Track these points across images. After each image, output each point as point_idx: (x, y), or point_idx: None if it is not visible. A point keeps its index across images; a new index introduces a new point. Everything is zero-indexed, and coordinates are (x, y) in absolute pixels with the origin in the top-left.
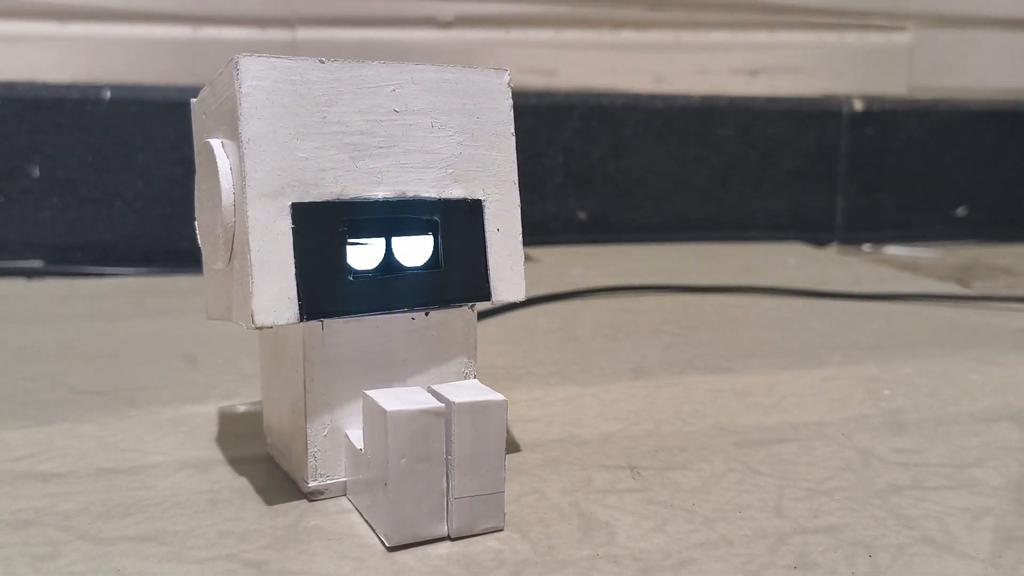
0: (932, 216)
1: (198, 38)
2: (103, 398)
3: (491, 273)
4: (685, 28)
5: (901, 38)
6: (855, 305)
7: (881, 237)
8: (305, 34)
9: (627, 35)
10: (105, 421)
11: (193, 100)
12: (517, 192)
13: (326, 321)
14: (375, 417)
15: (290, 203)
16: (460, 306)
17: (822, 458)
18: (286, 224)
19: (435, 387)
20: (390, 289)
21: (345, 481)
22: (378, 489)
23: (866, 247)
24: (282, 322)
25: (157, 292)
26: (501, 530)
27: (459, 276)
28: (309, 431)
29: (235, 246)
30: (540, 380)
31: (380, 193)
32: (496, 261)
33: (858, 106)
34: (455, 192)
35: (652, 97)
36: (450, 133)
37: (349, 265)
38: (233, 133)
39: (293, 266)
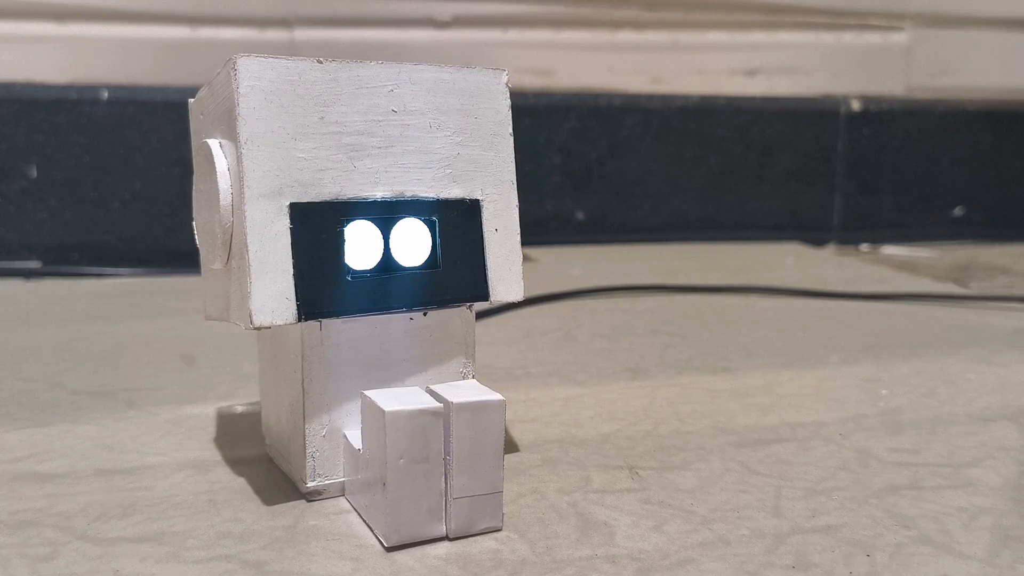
0: (929, 216)
1: (196, 38)
2: (101, 399)
3: (489, 273)
4: (682, 28)
5: (899, 38)
6: (853, 305)
7: (878, 237)
8: (303, 34)
9: (625, 35)
10: (103, 422)
11: (191, 100)
12: (515, 192)
13: (324, 321)
14: (373, 417)
15: (288, 203)
16: (458, 306)
17: (820, 458)
18: (284, 224)
19: (433, 387)
20: (388, 289)
21: (343, 481)
22: (376, 489)
23: (864, 247)
24: (280, 322)
25: (155, 292)
26: (499, 530)
27: (457, 276)
28: (307, 431)
29: (233, 246)
30: (538, 380)
31: (378, 193)
32: (494, 261)
33: (855, 106)
34: (453, 192)
35: (650, 97)
36: (448, 133)
37: (347, 265)
38: (231, 133)
39: (291, 266)
